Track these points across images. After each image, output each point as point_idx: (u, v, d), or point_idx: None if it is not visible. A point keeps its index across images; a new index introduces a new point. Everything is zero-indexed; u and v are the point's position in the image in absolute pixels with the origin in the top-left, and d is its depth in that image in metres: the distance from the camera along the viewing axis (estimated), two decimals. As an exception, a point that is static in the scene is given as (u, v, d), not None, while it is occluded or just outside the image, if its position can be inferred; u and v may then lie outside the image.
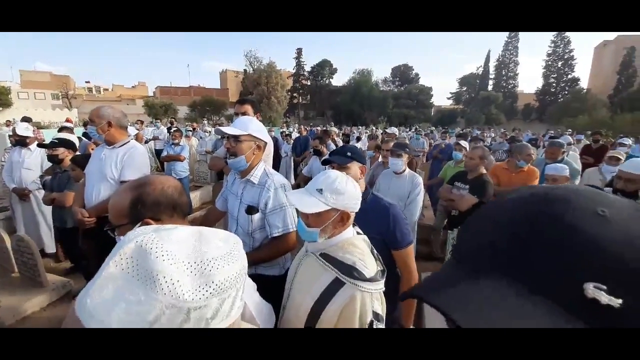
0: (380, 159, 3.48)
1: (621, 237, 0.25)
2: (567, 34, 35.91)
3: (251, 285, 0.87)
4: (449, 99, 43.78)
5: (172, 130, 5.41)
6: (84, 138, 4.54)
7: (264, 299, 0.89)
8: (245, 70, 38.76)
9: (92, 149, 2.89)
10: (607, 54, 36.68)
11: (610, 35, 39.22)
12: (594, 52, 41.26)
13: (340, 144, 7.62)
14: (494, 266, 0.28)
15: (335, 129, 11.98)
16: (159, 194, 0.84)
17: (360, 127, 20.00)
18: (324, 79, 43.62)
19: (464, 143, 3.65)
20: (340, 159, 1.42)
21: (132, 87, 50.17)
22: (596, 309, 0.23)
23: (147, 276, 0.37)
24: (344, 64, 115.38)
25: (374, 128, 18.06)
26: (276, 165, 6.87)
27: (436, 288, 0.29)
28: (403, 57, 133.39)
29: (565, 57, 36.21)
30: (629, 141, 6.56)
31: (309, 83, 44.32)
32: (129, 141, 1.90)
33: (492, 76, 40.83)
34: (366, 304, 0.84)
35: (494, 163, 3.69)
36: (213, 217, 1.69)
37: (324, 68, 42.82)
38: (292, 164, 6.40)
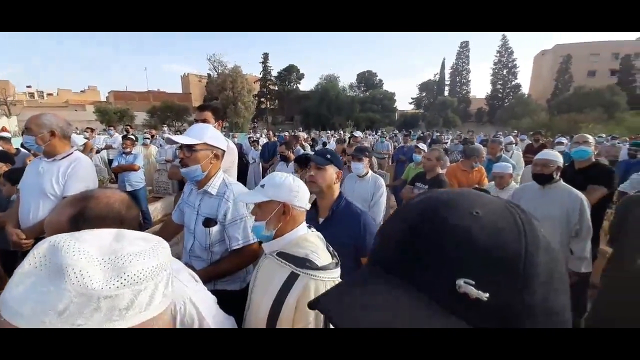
0: (345, 163, 3.58)
1: (489, 232, 0.27)
2: (510, 44, 39.94)
3: (211, 299, 0.85)
4: (410, 103, 46.21)
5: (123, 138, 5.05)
6: (22, 149, 4.08)
7: None
8: (209, 75, 37.53)
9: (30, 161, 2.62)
10: (545, 62, 41.07)
11: (549, 45, 44.24)
12: (534, 61, 46.04)
13: (308, 149, 7.68)
14: (393, 268, 0.30)
15: (303, 134, 12.03)
16: (103, 208, 0.78)
17: (329, 132, 20.29)
18: (292, 84, 43.62)
19: (422, 145, 3.88)
20: (319, 159, 1.49)
21: (81, 91, 45.88)
22: (469, 304, 0.25)
23: (57, 270, 0.40)
24: (310, 69, 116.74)
25: (341, 132, 18.43)
26: (243, 172, 6.74)
27: (332, 292, 0.32)
28: (367, 64, 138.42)
29: (509, 65, 40.02)
30: (564, 140, 7.19)
31: (276, 88, 44.01)
32: (71, 153, 1.74)
33: (447, 82, 43.78)
34: (320, 292, 0.85)
35: (448, 163, 3.97)
36: (169, 231, 1.61)
37: (291, 73, 42.86)
38: (261, 170, 6.30)
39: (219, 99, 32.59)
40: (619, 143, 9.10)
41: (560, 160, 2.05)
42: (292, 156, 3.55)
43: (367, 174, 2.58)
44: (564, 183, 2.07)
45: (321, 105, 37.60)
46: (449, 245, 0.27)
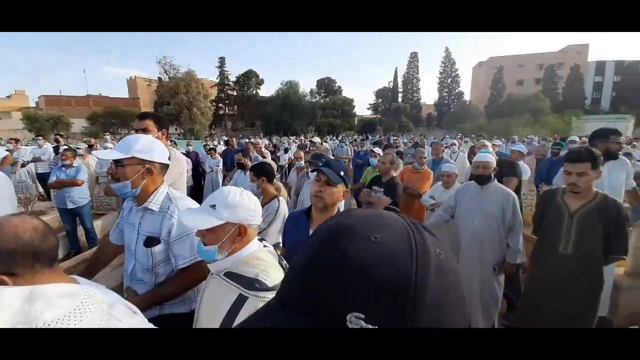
0: (305, 169, 3.58)
1: (383, 260, 0.27)
2: (453, 56, 43.99)
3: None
4: (368, 109, 48.11)
5: (61, 150, 4.47)
6: None
7: None
8: (159, 79, 35.13)
9: None
10: (482, 72, 45.95)
11: (484, 57, 49.47)
12: (473, 71, 51.29)
13: (268, 155, 7.55)
14: (291, 302, 0.29)
15: (264, 140, 11.83)
16: (10, 240, 0.66)
17: (291, 137, 20.23)
18: (251, 89, 42.80)
19: (377, 150, 4.04)
20: (334, 176, 1.33)
21: (7, 97, 39.74)
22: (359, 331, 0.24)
23: None
24: (269, 75, 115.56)
25: (303, 138, 18.51)
26: (199, 182, 6.38)
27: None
28: (325, 71, 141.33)
29: (453, 74, 44.12)
30: (499, 142, 8.39)
31: (235, 93, 42.82)
32: None
33: (400, 90, 46.63)
34: None
35: (402, 166, 4.20)
36: (106, 254, 1.44)
37: (250, 78, 42.02)
38: (220, 179, 6.01)
39: (172, 104, 30.67)
40: (546, 144, 10.63)
41: (495, 161, 2.29)
42: (250, 164, 3.45)
43: (324, 180, 2.61)
44: (496, 182, 2.31)
45: (283, 110, 37.44)
46: (342, 279, 0.27)
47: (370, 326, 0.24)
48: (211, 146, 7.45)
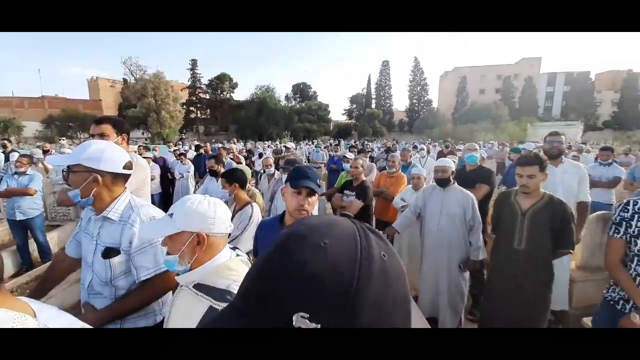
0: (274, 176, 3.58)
1: (329, 264, 0.29)
2: (421, 65, 46.25)
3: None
4: (343, 114, 48.91)
5: (12, 156, 4.07)
6: None
7: None
8: (125, 80, 33.30)
9: None
10: (448, 81, 48.72)
11: (449, 67, 52.60)
12: (440, 80, 54.18)
13: (242, 161, 7.42)
14: (244, 309, 0.31)
15: (238, 145, 11.56)
16: None
17: (266, 142, 20.01)
18: (224, 92, 41.89)
19: (350, 155, 4.14)
20: (316, 187, 1.26)
21: None
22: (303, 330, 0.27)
23: None
24: (242, 79, 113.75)
25: (278, 143, 18.38)
26: (168, 189, 6.10)
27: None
28: (300, 76, 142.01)
29: (422, 83, 46.41)
30: (462, 147, 9.19)
31: (207, 97, 41.64)
32: None
33: (373, 96, 48.06)
34: None
35: (374, 170, 4.33)
36: (61, 269, 1.34)
37: (224, 82, 41.09)
38: (192, 186, 5.78)
39: (138, 106, 29.15)
40: (504, 148, 11.58)
41: (453, 165, 2.45)
42: (222, 170, 3.38)
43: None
44: (457, 185, 2.48)
45: (259, 115, 36.98)
46: (290, 284, 0.29)
47: (314, 325, 0.26)
48: (181, 151, 7.16)
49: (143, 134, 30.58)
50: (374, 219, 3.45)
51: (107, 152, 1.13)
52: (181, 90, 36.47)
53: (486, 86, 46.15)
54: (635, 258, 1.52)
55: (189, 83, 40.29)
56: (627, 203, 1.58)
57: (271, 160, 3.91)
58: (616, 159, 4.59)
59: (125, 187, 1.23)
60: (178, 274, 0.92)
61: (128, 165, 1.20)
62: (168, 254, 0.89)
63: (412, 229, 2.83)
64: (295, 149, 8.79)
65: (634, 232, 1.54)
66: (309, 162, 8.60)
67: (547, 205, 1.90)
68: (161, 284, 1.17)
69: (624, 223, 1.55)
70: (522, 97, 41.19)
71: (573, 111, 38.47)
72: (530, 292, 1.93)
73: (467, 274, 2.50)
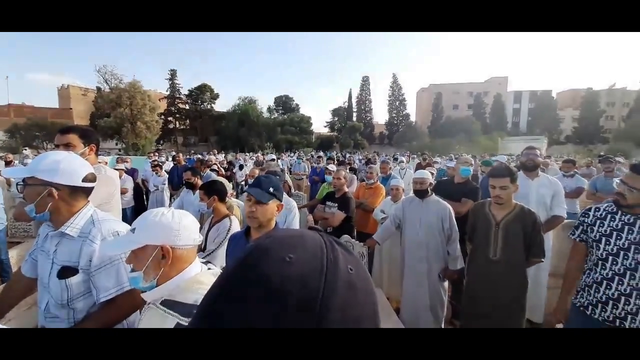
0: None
1: (293, 278, 0.28)
2: (399, 81, 48.33)
3: None
4: (325, 127, 49.67)
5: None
6: None
7: None
8: (98, 88, 32.01)
9: None
10: (425, 97, 51.13)
11: (426, 84, 55.31)
12: (417, 95, 56.66)
13: (222, 172, 7.26)
14: (205, 326, 0.29)
15: (218, 157, 11.34)
16: None
17: (247, 154, 19.74)
18: (205, 103, 41.33)
19: (332, 167, 4.16)
20: (264, 195, 1.31)
21: None
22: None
23: None
24: (224, 90, 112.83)
25: (259, 155, 18.23)
26: (141, 202, 5.82)
27: None
28: (282, 89, 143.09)
29: (400, 98, 48.38)
30: (439, 159, 9.67)
31: (187, 107, 40.86)
32: None
33: (355, 110, 49.33)
34: None
35: (355, 181, 4.38)
36: (17, 290, 1.22)
37: (204, 92, 40.63)
38: (166, 198, 5.55)
39: (112, 116, 28.00)
40: (477, 160, 12.22)
41: (431, 177, 2.53)
42: (199, 183, 3.28)
43: (279, 197, 2.59)
44: (434, 196, 2.54)
45: (241, 126, 36.67)
46: (253, 297, 0.28)
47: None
48: (157, 162, 6.90)
49: (117, 144, 29.29)
50: (355, 230, 3.46)
51: (64, 164, 1.05)
52: (159, 100, 35.56)
53: (459, 102, 48.86)
54: (600, 262, 1.61)
55: (168, 93, 39.47)
56: (589, 209, 1.74)
57: (257, 172, 3.85)
58: (577, 171, 4.91)
59: (88, 201, 1.15)
60: (144, 292, 0.86)
61: (90, 178, 1.12)
62: (133, 270, 0.83)
63: (393, 240, 2.85)
64: (275, 161, 8.72)
65: (595, 236, 1.64)
66: (290, 174, 8.56)
67: (518, 215, 1.99)
68: (127, 303, 1.08)
69: (581, 227, 1.73)
70: (492, 112, 44.04)
71: (538, 126, 41.51)
72: (506, 300, 1.99)
73: (446, 283, 2.55)
